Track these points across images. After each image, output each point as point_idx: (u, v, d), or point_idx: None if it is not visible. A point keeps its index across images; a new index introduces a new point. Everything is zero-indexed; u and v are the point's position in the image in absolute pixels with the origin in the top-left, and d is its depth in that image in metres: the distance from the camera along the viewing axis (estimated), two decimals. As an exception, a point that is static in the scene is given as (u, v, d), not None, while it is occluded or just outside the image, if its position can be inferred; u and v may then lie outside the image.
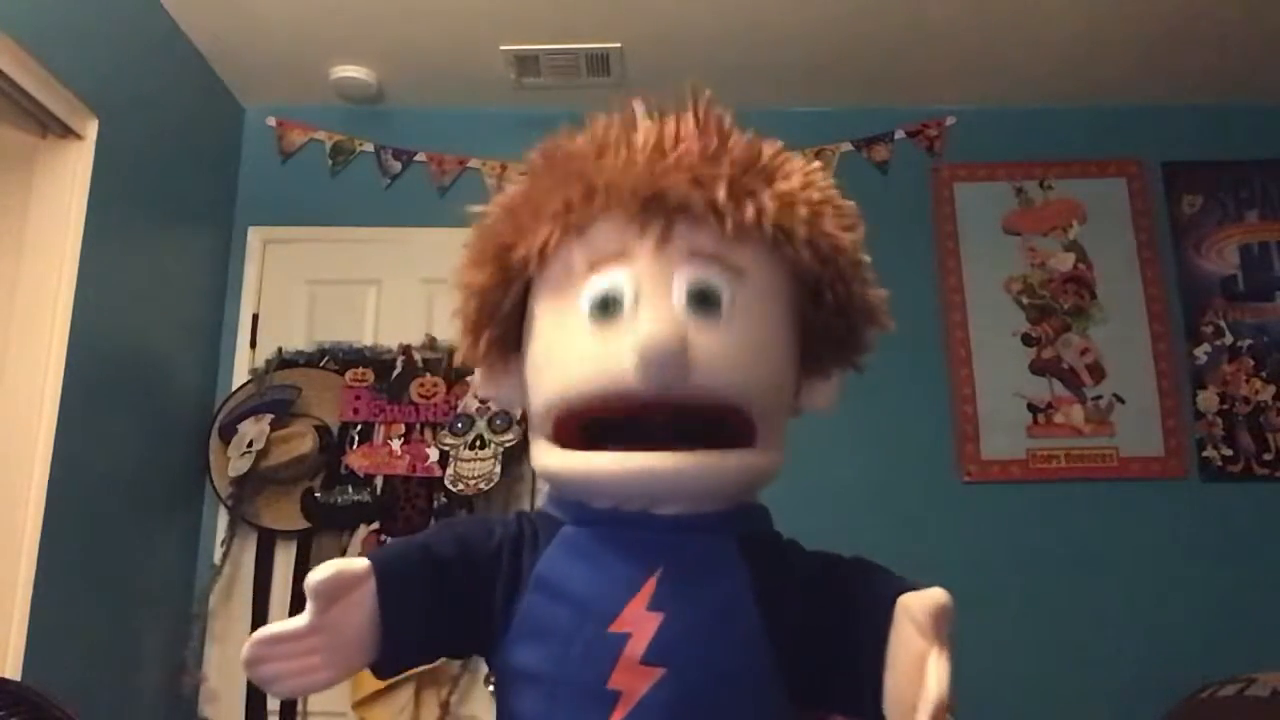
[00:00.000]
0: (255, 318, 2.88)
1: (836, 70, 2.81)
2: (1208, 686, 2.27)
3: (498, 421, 2.57)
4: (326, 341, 2.80)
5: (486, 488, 2.50)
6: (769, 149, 0.88)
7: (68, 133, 2.18)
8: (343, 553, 2.53)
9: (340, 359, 2.75)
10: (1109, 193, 2.93)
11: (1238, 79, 2.85)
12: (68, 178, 2.18)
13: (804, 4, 2.51)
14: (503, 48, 2.69)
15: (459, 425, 2.58)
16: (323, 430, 2.65)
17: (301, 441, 2.59)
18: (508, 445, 2.54)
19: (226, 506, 2.65)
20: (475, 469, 2.52)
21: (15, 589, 1.99)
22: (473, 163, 2.94)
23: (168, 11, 2.54)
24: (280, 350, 2.78)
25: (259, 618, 2.60)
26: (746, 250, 0.84)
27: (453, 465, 2.54)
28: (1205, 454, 2.75)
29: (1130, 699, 2.45)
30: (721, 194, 0.81)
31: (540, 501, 1.12)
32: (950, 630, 0.68)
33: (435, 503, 2.58)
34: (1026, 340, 2.84)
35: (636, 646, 0.78)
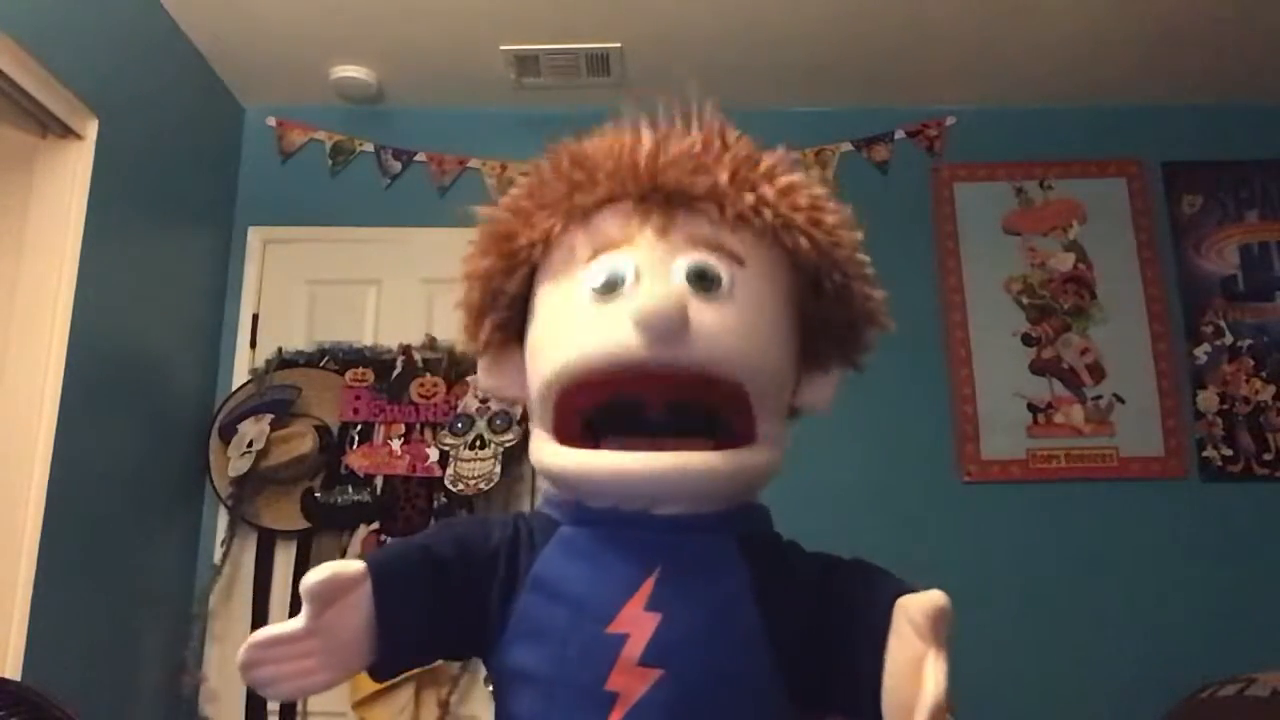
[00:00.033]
0: (255, 318, 2.88)
1: (836, 70, 2.81)
2: (1208, 686, 2.27)
3: (498, 421, 2.57)
4: (326, 341, 2.80)
5: (486, 488, 2.50)
6: (769, 155, 0.89)
7: (68, 133, 2.18)
8: (343, 553, 2.53)
9: (340, 359, 2.75)
10: (1109, 193, 2.93)
11: (1238, 79, 2.85)
12: (68, 178, 2.18)
13: (804, 4, 2.51)
14: (503, 48, 2.69)
15: (459, 425, 2.58)
16: (323, 430, 2.65)
17: (301, 441, 2.60)
18: (508, 445, 2.54)
19: (226, 506, 2.66)
20: (475, 469, 2.52)
21: (15, 589, 1.99)
22: (473, 163, 2.94)
23: (168, 11, 2.54)
24: (280, 350, 2.78)
25: (259, 618, 2.60)
26: (746, 239, 0.85)
27: (453, 465, 2.54)
28: (1205, 454, 2.75)
29: (1130, 699, 2.45)
30: (723, 179, 0.84)
31: (540, 502, 1.12)
32: (948, 632, 0.68)
33: (435, 503, 2.58)
34: (1026, 340, 2.84)
35: (634, 647, 0.78)
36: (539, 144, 0.92)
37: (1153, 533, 2.69)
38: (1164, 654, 2.53)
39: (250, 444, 2.57)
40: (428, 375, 2.68)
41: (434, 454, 2.58)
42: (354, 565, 0.78)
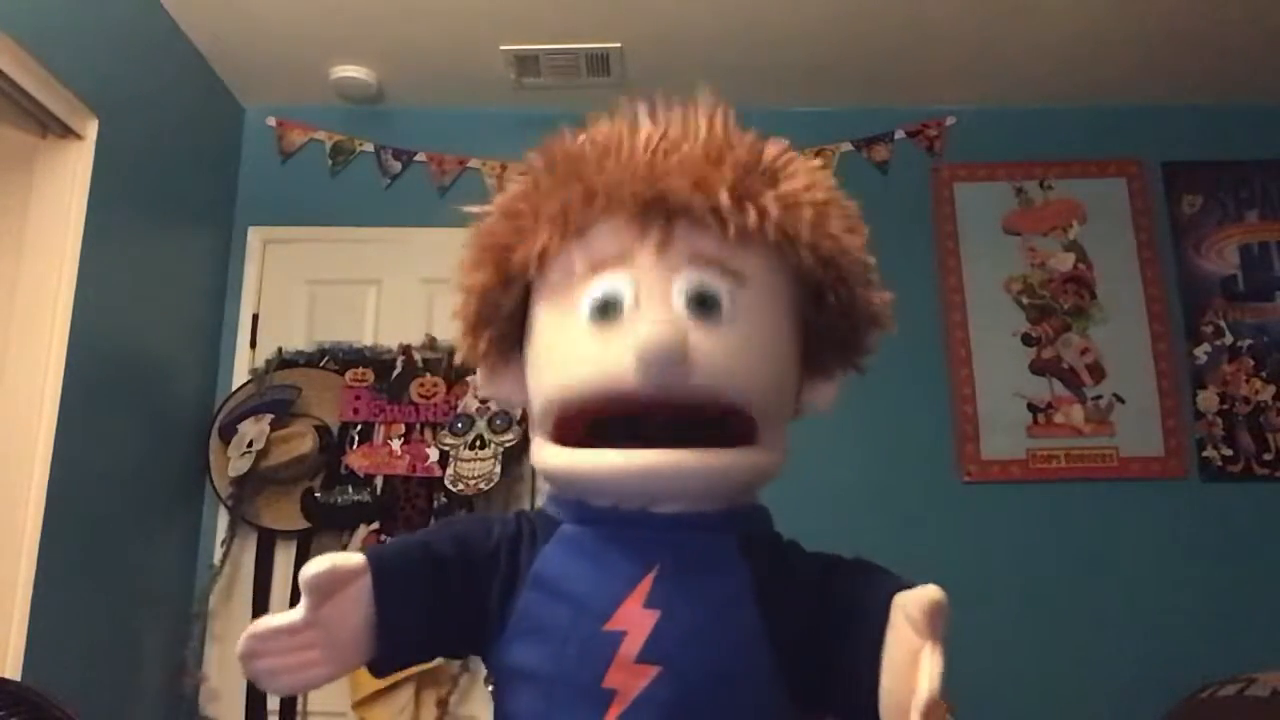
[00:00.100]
0: (255, 318, 2.88)
1: (836, 70, 2.81)
2: (1208, 686, 2.27)
3: (498, 421, 2.57)
4: (326, 341, 2.80)
5: (486, 488, 2.50)
6: (772, 149, 0.87)
7: (68, 133, 2.18)
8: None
9: (340, 359, 2.75)
10: (1109, 193, 2.93)
11: (1238, 79, 2.85)
12: (68, 178, 2.18)
13: (804, 4, 2.51)
14: (503, 48, 2.69)
15: (459, 425, 2.58)
16: (323, 430, 2.65)
17: (301, 441, 2.59)
18: (508, 445, 2.54)
19: (226, 506, 2.65)
20: (475, 469, 2.52)
21: (15, 589, 1.99)
22: (473, 163, 2.94)
23: (168, 11, 2.54)
24: (280, 350, 2.78)
25: (259, 618, 2.59)
26: (748, 254, 0.83)
27: (453, 465, 2.54)
28: (1205, 454, 2.75)
29: (1130, 699, 2.45)
30: (724, 197, 0.80)
31: (540, 501, 1.12)
32: (945, 627, 0.68)
33: (435, 503, 2.58)
34: (1026, 340, 2.84)
35: (632, 644, 0.78)
36: (539, 145, 0.91)
37: (1153, 533, 2.69)
38: (1164, 654, 2.53)
39: (250, 444, 2.57)
40: (428, 375, 2.68)
41: (434, 454, 2.58)
42: (353, 558, 0.78)
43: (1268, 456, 2.73)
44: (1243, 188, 2.92)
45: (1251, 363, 2.80)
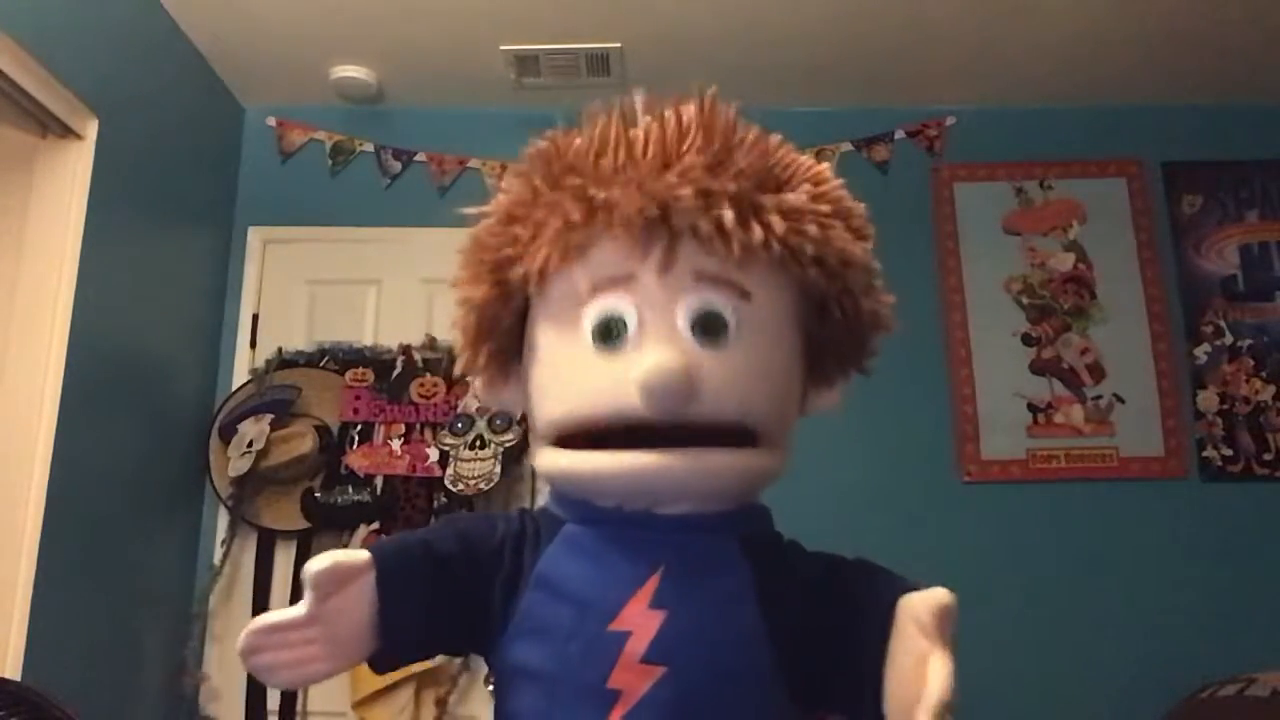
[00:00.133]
0: (255, 318, 2.88)
1: (836, 70, 2.81)
2: (1208, 686, 2.27)
3: (498, 421, 2.57)
4: (326, 341, 2.80)
5: (486, 488, 2.50)
6: (775, 149, 0.86)
7: (68, 133, 2.18)
8: (343, 553, 2.53)
9: (340, 359, 2.75)
10: (1109, 193, 2.93)
11: (1238, 79, 2.85)
12: (68, 178, 2.18)
13: (804, 4, 2.51)
14: (503, 48, 2.69)
15: (459, 425, 2.58)
16: (323, 430, 2.65)
17: (301, 441, 2.59)
18: (508, 445, 2.54)
19: (226, 506, 2.65)
20: (475, 469, 2.52)
21: (15, 589, 1.99)
22: (473, 163, 2.94)
23: (168, 11, 2.54)
24: (280, 350, 2.78)
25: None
26: (753, 270, 0.81)
27: (453, 465, 2.54)
28: (1205, 454, 2.75)
29: (1130, 699, 2.45)
30: (728, 215, 0.78)
31: (540, 501, 1.12)
32: (953, 631, 0.68)
33: (435, 503, 2.58)
34: (1026, 340, 2.84)
35: (637, 645, 0.78)
36: (536, 143, 0.89)
37: (1153, 533, 2.69)
38: (1164, 654, 2.53)
39: (250, 444, 2.57)
40: (428, 375, 2.68)
41: (434, 454, 2.58)
42: (358, 554, 0.78)
43: (1268, 456, 2.73)
44: (1243, 188, 2.92)
45: (1251, 363, 2.80)
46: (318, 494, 2.61)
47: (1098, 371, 2.80)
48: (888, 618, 0.73)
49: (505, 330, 0.90)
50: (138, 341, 2.47)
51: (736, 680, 0.81)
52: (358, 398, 2.67)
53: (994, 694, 2.30)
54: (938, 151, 2.98)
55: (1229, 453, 2.74)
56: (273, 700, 2.53)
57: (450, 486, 2.52)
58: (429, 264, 2.73)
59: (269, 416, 2.61)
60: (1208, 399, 2.78)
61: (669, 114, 0.84)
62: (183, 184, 2.68)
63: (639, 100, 0.86)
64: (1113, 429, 2.76)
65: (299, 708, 2.58)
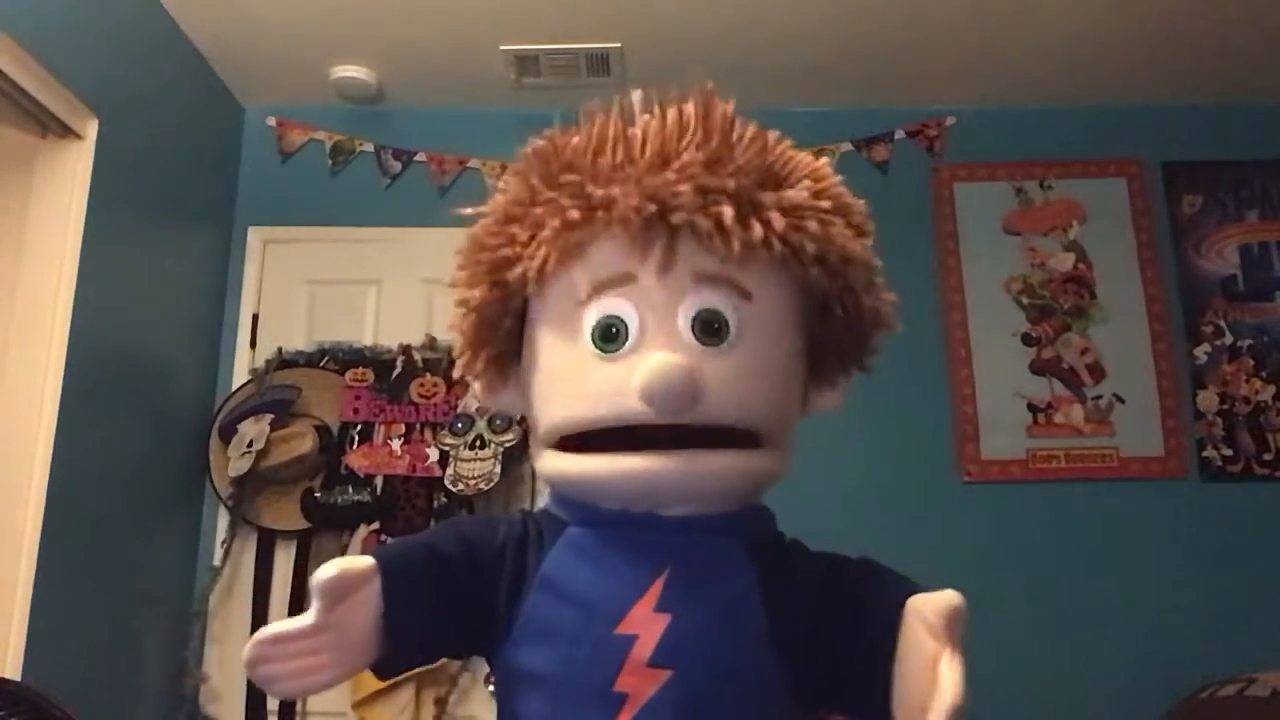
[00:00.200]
0: (255, 318, 2.88)
1: (836, 70, 2.81)
2: (1208, 686, 2.27)
3: (498, 421, 2.57)
4: (326, 341, 2.80)
5: (486, 488, 2.50)
6: (774, 145, 0.85)
7: (68, 133, 2.18)
8: (343, 553, 2.53)
9: (340, 359, 2.75)
10: (1109, 193, 2.93)
11: (1238, 79, 2.85)
12: (68, 178, 2.18)
13: (804, 4, 2.51)
14: (503, 48, 2.69)
15: (459, 425, 2.58)
16: (323, 430, 2.65)
17: (301, 441, 2.59)
18: (508, 445, 2.54)
19: (226, 506, 2.65)
20: (475, 469, 2.52)
21: (15, 589, 1.99)
22: (473, 163, 2.94)
23: (168, 11, 2.54)
24: (280, 350, 2.78)
25: (259, 618, 2.59)
26: (753, 270, 0.81)
27: (453, 465, 2.54)
28: (1205, 454, 2.75)
29: (1130, 699, 2.45)
30: (727, 214, 0.77)
31: (541, 502, 1.12)
32: (963, 633, 0.68)
33: (435, 503, 2.58)
34: (1026, 340, 2.84)
35: (644, 648, 0.78)
36: (534, 141, 0.88)
37: (1153, 533, 2.69)
38: (1164, 654, 2.52)
39: (250, 444, 2.57)
40: (428, 375, 2.68)
41: (434, 454, 2.58)
42: (363, 561, 0.77)
43: (1268, 456, 2.74)
44: (1243, 188, 2.92)
45: (1251, 363, 2.80)
46: (318, 494, 2.61)
47: (1098, 371, 2.80)
48: (895, 619, 0.73)
49: (504, 332, 0.89)
50: (138, 341, 2.47)
51: (742, 683, 0.81)
52: (358, 398, 2.67)
53: (994, 694, 2.29)
54: (938, 151, 2.98)
55: (1229, 453, 2.74)
56: (273, 701, 2.53)
57: (450, 486, 2.52)
58: (429, 264, 2.72)
59: (269, 416, 2.61)
60: (1208, 399, 2.78)
61: (667, 111, 0.83)
62: (183, 184, 2.68)
63: (637, 98, 0.86)
64: (1113, 429, 2.76)
65: (299, 708, 2.59)
